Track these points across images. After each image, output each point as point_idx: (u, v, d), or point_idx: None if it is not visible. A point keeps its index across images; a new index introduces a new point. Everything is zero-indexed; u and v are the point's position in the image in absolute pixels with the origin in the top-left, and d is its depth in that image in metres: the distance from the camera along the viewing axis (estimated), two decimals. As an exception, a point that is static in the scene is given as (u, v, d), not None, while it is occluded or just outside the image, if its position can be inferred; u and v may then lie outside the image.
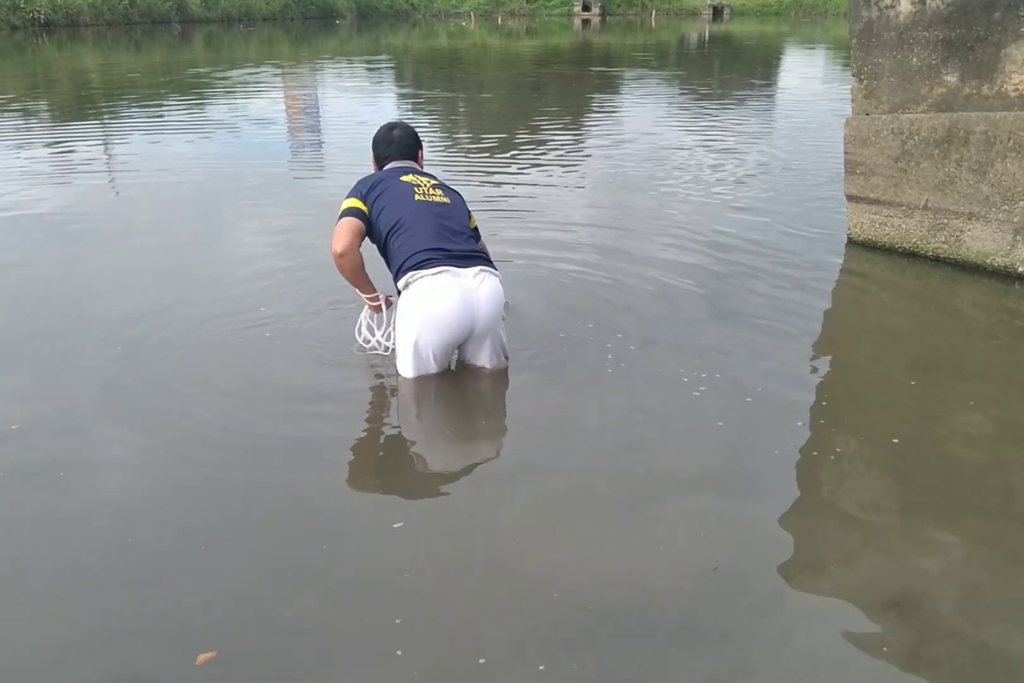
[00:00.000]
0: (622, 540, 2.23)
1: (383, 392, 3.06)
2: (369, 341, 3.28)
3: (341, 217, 3.05)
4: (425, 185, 3.15)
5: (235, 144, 8.50)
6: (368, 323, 3.28)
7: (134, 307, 3.78)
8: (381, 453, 2.73)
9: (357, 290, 3.19)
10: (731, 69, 18.08)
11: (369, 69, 17.25)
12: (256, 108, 10.96)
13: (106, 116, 10.21)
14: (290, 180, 6.87)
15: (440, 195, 3.15)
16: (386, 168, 3.28)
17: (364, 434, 2.81)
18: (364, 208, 3.06)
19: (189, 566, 2.11)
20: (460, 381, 3.11)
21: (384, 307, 3.24)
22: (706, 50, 24.49)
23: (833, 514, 2.36)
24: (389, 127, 3.37)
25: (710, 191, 6.12)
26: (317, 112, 11.17)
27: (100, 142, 8.36)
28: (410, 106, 11.87)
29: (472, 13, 40.79)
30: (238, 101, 11.88)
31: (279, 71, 16.11)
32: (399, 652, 1.81)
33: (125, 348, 3.35)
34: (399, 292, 3.04)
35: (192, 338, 3.46)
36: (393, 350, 3.18)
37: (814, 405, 2.96)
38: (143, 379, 3.09)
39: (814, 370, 3.25)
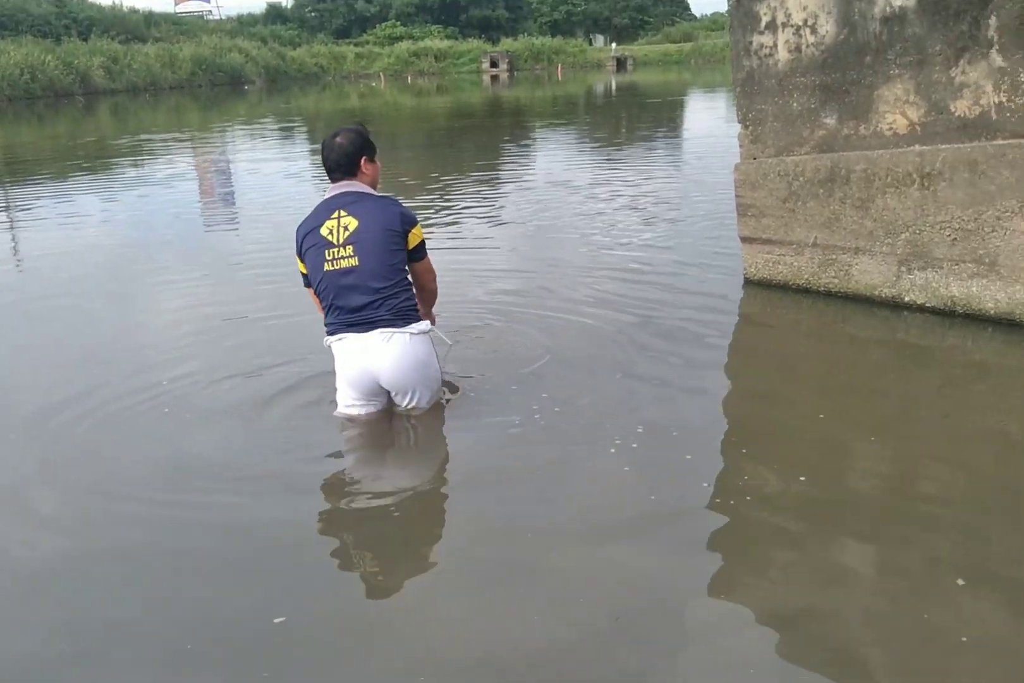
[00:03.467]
0: (515, 601, 2.19)
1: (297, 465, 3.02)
2: None
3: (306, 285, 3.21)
4: (339, 239, 2.97)
5: (145, 206, 8.48)
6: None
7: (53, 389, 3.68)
8: (273, 529, 2.61)
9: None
10: (637, 117, 18.59)
11: (281, 129, 17.29)
12: (165, 171, 10.92)
13: (8, 184, 10.06)
14: (203, 236, 6.96)
15: (349, 255, 2.97)
16: (325, 195, 3.10)
17: (259, 509, 2.73)
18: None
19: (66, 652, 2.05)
20: (378, 433, 3.17)
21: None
22: (613, 99, 25.20)
23: (739, 550, 2.39)
24: (333, 134, 3.08)
25: (612, 235, 6.26)
26: (228, 171, 11.17)
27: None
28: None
29: (382, 73, 41.36)
30: (145, 166, 11.82)
31: (187, 136, 16.04)
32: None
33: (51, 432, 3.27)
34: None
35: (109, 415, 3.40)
36: None
37: (724, 444, 3.00)
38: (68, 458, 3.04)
39: (724, 409, 3.31)
